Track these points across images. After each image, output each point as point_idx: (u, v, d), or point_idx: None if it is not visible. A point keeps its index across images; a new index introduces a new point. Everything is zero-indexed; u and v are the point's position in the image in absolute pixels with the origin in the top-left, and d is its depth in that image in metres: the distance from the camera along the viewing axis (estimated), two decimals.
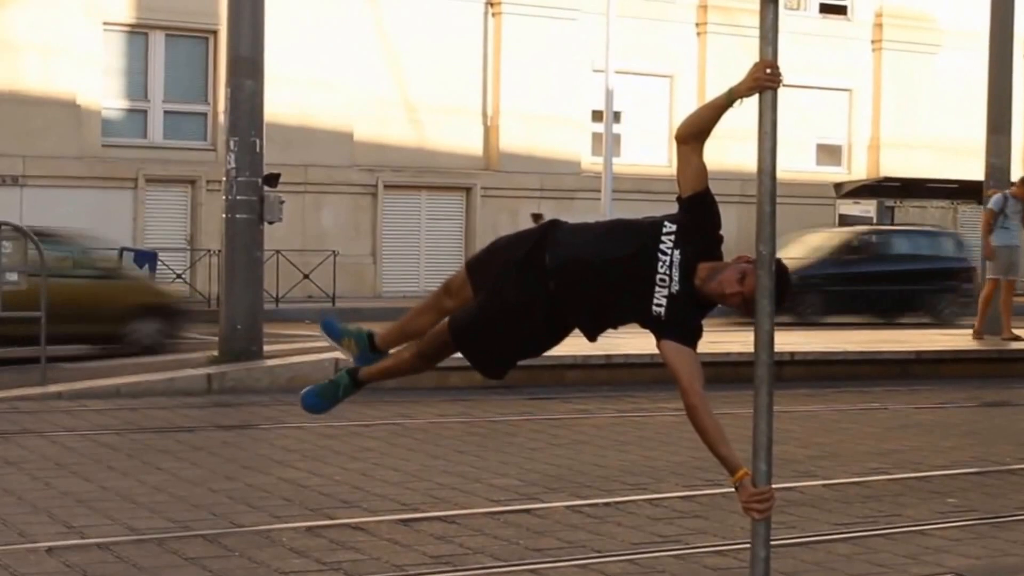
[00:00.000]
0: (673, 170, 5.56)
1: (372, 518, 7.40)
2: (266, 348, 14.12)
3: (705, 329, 5.18)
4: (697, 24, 33.44)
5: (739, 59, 27.20)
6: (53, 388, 12.27)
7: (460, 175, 30.85)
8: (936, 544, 7.11)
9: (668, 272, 5.07)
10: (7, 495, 7.78)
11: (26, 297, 12.88)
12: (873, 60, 35.56)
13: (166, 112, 28.43)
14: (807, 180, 32.45)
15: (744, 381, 5.68)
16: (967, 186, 28.78)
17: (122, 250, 22.55)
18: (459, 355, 5.49)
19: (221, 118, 20.39)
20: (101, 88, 27.64)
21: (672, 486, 8.54)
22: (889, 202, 31.51)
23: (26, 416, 10.87)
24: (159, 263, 23.60)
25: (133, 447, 9.57)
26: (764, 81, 4.76)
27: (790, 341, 15.54)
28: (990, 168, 18.82)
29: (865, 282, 25.27)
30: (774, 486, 4.88)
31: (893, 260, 26.02)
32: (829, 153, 35.32)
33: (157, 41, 28.29)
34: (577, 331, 5.39)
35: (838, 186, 32.18)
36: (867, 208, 31.15)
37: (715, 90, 7.41)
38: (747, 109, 4.94)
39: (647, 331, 5.17)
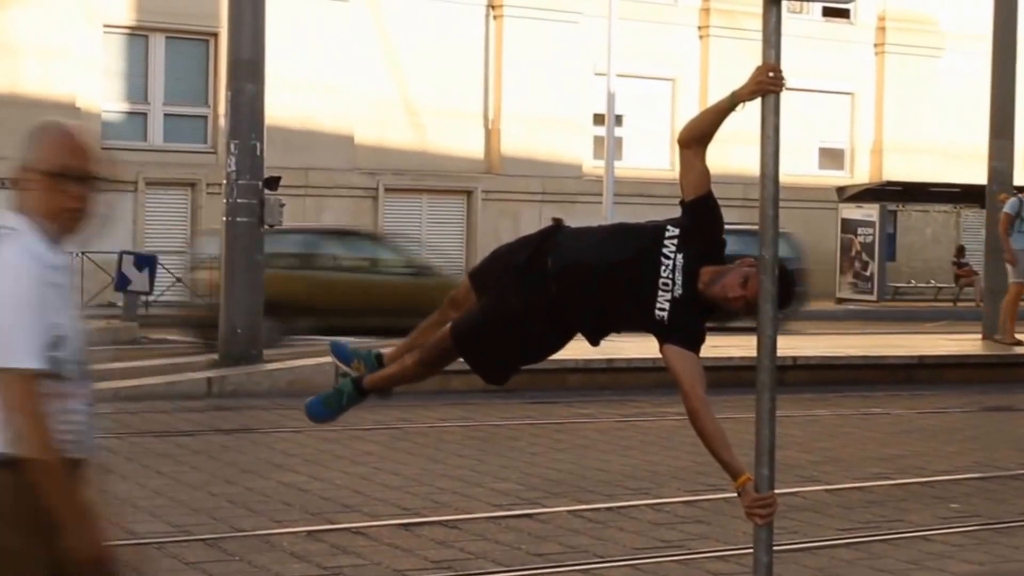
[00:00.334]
0: (675, 174, 5.52)
1: (373, 522, 7.38)
2: (266, 352, 14.10)
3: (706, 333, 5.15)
4: (699, 27, 33.42)
5: (741, 63, 27.07)
6: None
7: (461, 178, 30.82)
8: (939, 549, 7.09)
9: (671, 276, 5.04)
10: None
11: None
12: (876, 64, 35.54)
13: (166, 115, 28.40)
14: (810, 184, 32.39)
15: (746, 385, 5.66)
16: (970, 190, 28.79)
17: (121, 254, 22.50)
18: (461, 360, 5.46)
19: (221, 121, 20.38)
20: (101, 91, 27.61)
21: (674, 491, 8.52)
22: (892, 206, 31.50)
23: None
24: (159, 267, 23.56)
25: (133, 451, 9.54)
26: (767, 85, 4.74)
27: (793, 345, 15.53)
28: (993, 172, 18.79)
29: None
30: (777, 491, 4.85)
31: None
32: (832, 157, 35.30)
33: (157, 44, 28.27)
34: (579, 335, 5.36)
35: (840, 190, 32.12)
36: (869, 212, 31.11)
37: (717, 94, 7.38)
38: (749, 113, 4.93)
39: (649, 335, 5.15)
